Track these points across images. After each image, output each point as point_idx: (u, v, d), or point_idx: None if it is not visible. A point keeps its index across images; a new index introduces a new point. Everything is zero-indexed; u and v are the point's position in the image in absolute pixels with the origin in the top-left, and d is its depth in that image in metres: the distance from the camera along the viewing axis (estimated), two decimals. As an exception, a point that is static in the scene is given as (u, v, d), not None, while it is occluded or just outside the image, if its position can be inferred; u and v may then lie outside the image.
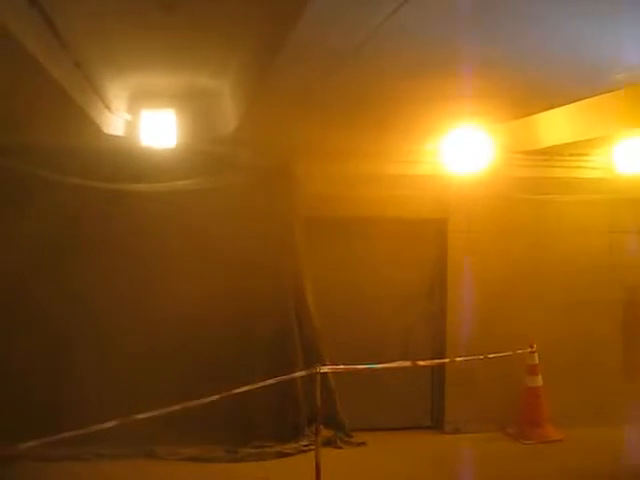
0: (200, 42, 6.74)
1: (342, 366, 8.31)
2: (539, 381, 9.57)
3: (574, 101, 7.01)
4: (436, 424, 10.05)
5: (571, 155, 9.82)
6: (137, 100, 8.94)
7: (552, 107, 7.39)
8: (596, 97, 6.72)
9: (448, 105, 6.95)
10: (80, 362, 8.74)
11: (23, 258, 8.69)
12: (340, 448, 9.11)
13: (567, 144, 8.83)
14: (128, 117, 8.95)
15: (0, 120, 7.91)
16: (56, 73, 5.96)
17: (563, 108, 7.40)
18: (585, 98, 6.82)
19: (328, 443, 8.96)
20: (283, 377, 7.87)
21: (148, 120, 8.87)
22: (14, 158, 8.70)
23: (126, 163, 8.99)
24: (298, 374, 8.20)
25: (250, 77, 6.77)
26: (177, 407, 6.77)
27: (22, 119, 7.92)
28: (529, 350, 9.50)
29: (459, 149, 9.04)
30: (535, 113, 7.87)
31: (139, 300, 8.88)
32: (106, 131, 8.65)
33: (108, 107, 8.52)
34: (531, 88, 6.44)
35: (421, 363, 8.76)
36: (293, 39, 4.75)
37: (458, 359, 9.13)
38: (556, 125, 8.50)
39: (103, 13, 5.87)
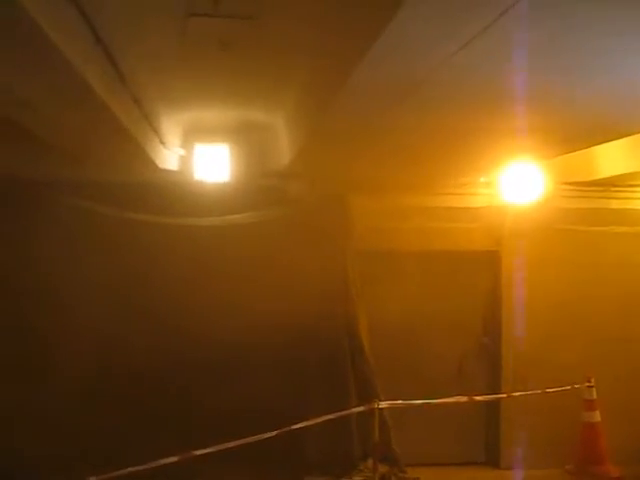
0: (255, 77, 6.79)
1: (400, 401, 8.21)
2: (597, 417, 9.36)
3: (634, 134, 6.93)
4: (491, 460, 9.86)
5: (628, 186, 9.67)
6: (191, 135, 9.04)
7: (610, 140, 7.33)
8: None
9: (504, 139, 6.91)
10: (128, 395, 8.71)
11: (80, 291, 8.76)
12: (395, 484, 8.99)
13: (623, 175, 8.72)
14: (182, 152, 9.04)
15: (59, 155, 8.04)
16: (116, 109, 6.05)
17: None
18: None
19: (382, 479, 8.83)
20: (342, 412, 7.80)
21: (202, 154, 8.96)
22: (71, 193, 8.80)
23: (180, 197, 9.02)
24: (357, 409, 8.12)
25: (306, 111, 6.80)
26: (232, 444, 6.74)
27: (81, 154, 8.04)
28: (586, 384, 9.31)
29: (513, 181, 8.99)
30: (593, 146, 7.82)
31: (188, 331, 8.87)
32: (160, 166, 8.74)
33: (162, 142, 8.61)
34: (590, 123, 6.38)
35: (478, 398, 8.65)
36: (357, 74, 4.76)
37: (515, 394, 8.98)
38: (613, 156, 8.41)
39: (164, 52, 5.95)
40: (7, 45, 4.25)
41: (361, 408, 8.07)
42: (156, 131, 8.21)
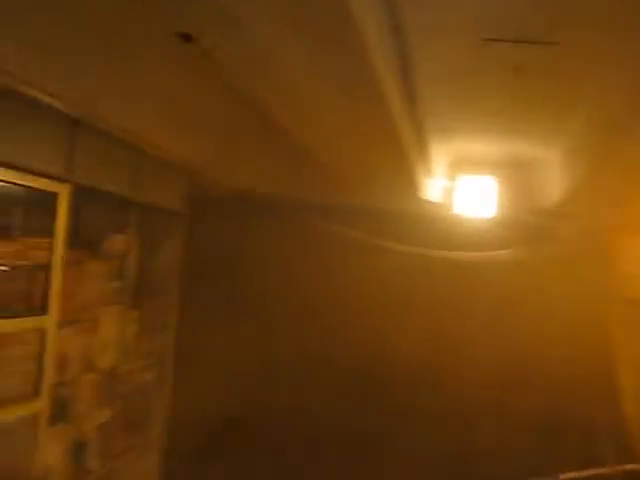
0: (540, 105, 6.53)
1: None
2: None
3: None
4: None
5: None
6: (456, 166, 8.93)
7: None
8: None
9: None
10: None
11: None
12: None
13: None
14: (446, 183, 8.96)
15: (326, 179, 8.15)
16: (403, 135, 6.02)
17: None
18: None
19: None
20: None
21: (466, 187, 8.84)
22: (325, 216, 8.96)
23: (442, 230, 8.94)
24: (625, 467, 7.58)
25: (593, 141, 6.46)
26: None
27: (349, 177, 8.08)
28: None
29: None
30: None
31: (442, 368, 8.79)
32: (424, 196, 8.69)
33: (429, 171, 8.56)
34: None
35: None
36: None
37: None
38: None
39: (452, 78, 5.85)
40: (332, 60, 4.29)
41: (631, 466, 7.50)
42: (424, 160, 8.17)
